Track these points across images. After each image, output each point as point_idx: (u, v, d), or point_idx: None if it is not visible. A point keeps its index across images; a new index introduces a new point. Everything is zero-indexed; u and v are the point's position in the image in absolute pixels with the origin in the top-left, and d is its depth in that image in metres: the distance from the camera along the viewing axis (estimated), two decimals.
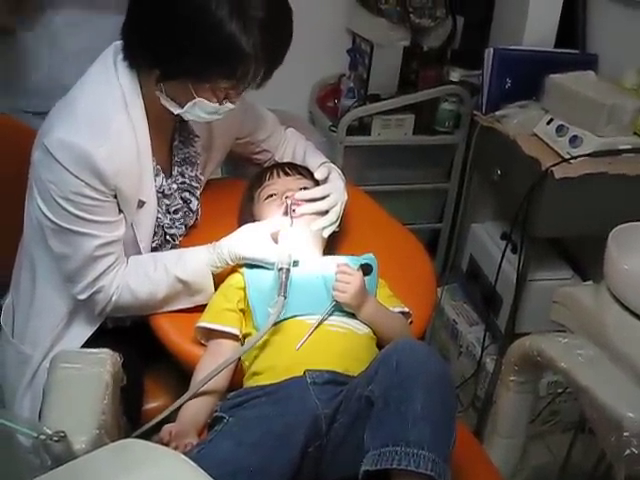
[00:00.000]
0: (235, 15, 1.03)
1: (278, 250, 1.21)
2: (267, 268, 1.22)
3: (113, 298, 1.20)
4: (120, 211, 1.18)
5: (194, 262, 1.23)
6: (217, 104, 1.15)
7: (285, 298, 1.13)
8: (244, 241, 1.23)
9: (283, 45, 1.12)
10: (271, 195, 1.33)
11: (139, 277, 1.21)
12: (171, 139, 1.33)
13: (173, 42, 1.07)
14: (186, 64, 1.08)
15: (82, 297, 1.19)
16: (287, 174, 1.37)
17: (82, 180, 1.09)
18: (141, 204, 1.21)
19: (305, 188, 1.34)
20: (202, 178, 1.39)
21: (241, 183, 1.45)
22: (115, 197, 1.15)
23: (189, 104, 1.14)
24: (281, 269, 1.17)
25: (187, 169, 1.35)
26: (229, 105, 1.16)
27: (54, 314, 1.24)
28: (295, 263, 1.21)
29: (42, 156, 1.11)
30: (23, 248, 1.27)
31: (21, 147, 1.20)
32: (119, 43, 1.17)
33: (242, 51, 1.05)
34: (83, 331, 1.25)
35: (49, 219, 1.13)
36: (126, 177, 1.14)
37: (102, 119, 1.12)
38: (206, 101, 1.13)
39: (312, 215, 1.29)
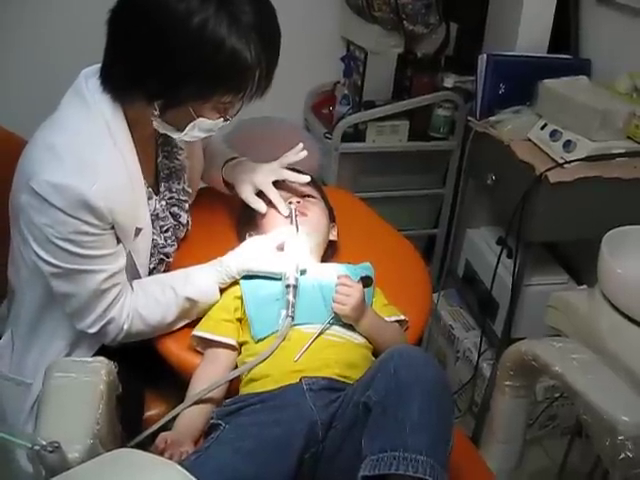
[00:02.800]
0: (234, 28, 1.02)
1: (285, 263, 1.20)
2: (273, 278, 1.22)
3: (125, 327, 1.17)
4: (119, 241, 1.15)
5: (203, 283, 1.21)
6: (219, 119, 1.13)
7: (293, 319, 1.14)
8: (251, 256, 1.23)
9: (277, 44, 1.11)
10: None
11: (149, 303, 1.19)
12: (155, 155, 1.30)
13: (173, 73, 1.04)
14: (190, 90, 1.06)
15: (92, 330, 1.16)
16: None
17: (79, 219, 1.06)
18: (138, 231, 1.19)
19: (310, 196, 1.36)
20: (190, 191, 1.38)
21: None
22: (112, 228, 1.12)
23: (189, 126, 1.12)
24: (288, 286, 1.16)
25: (174, 183, 1.33)
26: (221, 122, 1.14)
27: (57, 346, 1.21)
28: (302, 272, 1.21)
29: (32, 200, 1.06)
30: (21, 287, 1.22)
31: (8, 153, 1.17)
32: (88, 71, 1.14)
33: (246, 62, 1.04)
34: (86, 354, 1.22)
35: (49, 263, 1.09)
36: (123, 209, 1.11)
37: (89, 156, 1.08)
38: (206, 120, 1.12)
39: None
